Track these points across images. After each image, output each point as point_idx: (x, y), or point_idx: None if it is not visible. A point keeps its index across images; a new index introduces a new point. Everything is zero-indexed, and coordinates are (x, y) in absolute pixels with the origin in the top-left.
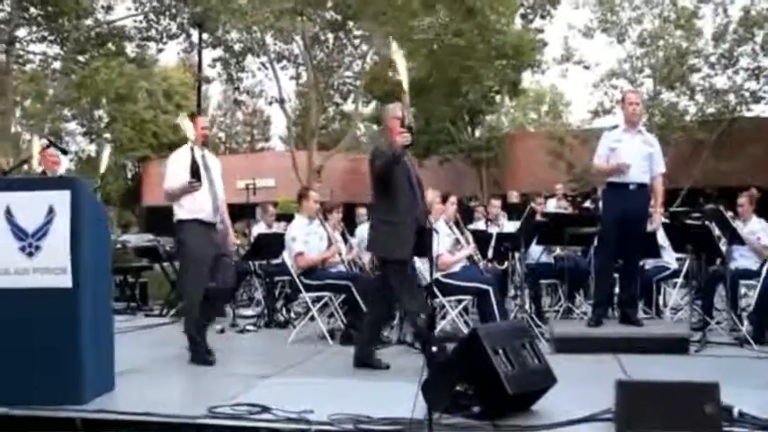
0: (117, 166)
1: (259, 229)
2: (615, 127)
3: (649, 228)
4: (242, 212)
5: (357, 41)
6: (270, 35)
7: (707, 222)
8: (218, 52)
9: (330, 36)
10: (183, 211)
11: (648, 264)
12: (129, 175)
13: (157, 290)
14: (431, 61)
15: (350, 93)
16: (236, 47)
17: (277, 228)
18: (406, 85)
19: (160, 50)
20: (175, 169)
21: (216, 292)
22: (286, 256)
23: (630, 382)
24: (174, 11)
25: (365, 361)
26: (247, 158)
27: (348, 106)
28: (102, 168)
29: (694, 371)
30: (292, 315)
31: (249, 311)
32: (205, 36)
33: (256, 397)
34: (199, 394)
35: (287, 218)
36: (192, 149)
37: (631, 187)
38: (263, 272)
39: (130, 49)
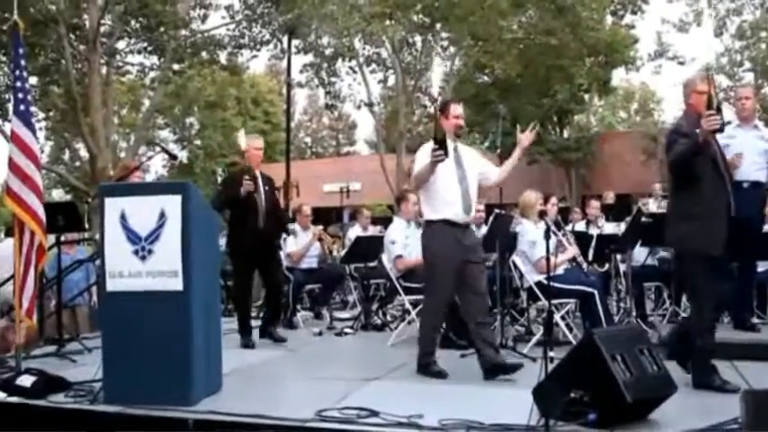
0: (207, 172)
1: (355, 231)
2: (728, 123)
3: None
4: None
5: (445, 44)
6: (359, 39)
7: None
8: (309, 58)
9: (418, 39)
10: (429, 209)
11: (763, 266)
12: (219, 181)
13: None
14: (521, 61)
15: (438, 95)
16: (327, 52)
17: (372, 230)
18: None
19: (253, 57)
20: (420, 157)
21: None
22: (385, 259)
23: (759, 391)
24: (266, 18)
25: None
26: (335, 162)
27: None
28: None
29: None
30: (388, 318)
31: (345, 314)
32: (296, 42)
33: (363, 400)
34: (306, 397)
35: (381, 221)
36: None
37: (745, 185)
38: (359, 275)
39: (223, 57)
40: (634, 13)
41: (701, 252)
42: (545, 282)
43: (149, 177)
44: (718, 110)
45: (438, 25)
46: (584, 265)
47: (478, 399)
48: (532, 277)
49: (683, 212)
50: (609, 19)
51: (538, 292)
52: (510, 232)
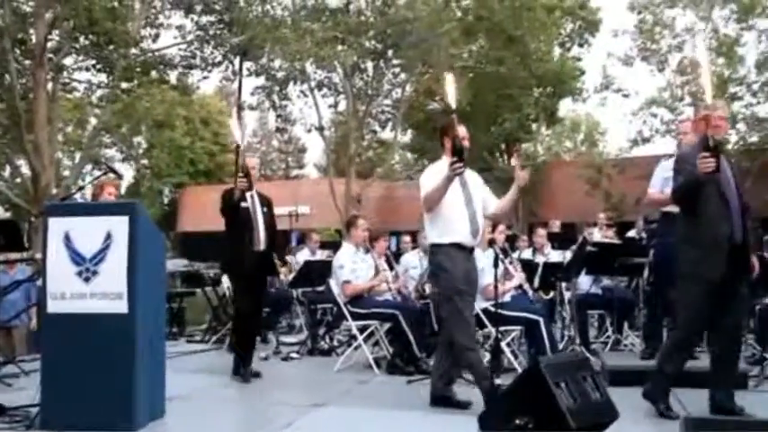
0: (153, 192)
1: (303, 256)
2: (670, 156)
3: None
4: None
5: (396, 70)
6: (311, 63)
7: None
8: (260, 80)
9: (370, 64)
10: (435, 232)
11: None
12: (166, 201)
13: (195, 315)
14: (470, 89)
15: (388, 121)
16: (279, 75)
17: (320, 255)
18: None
19: (204, 78)
20: (426, 180)
21: None
22: (333, 284)
23: (698, 418)
24: (219, 40)
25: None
26: (284, 185)
27: (386, 134)
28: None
29: (755, 406)
30: (335, 343)
31: (291, 339)
32: (248, 64)
33: (309, 427)
34: (250, 423)
35: (330, 245)
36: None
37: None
38: (307, 299)
39: (173, 76)
40: (581, 45)
41: (699, 277)
42: (492, 309)
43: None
44: (715, 150)
45: (390, 52)
46: (530, 293)
47: (424, 425)
48: (479, 304)
49: (686, 237)
50: (557, 51)
51: (485, 318)
52: None
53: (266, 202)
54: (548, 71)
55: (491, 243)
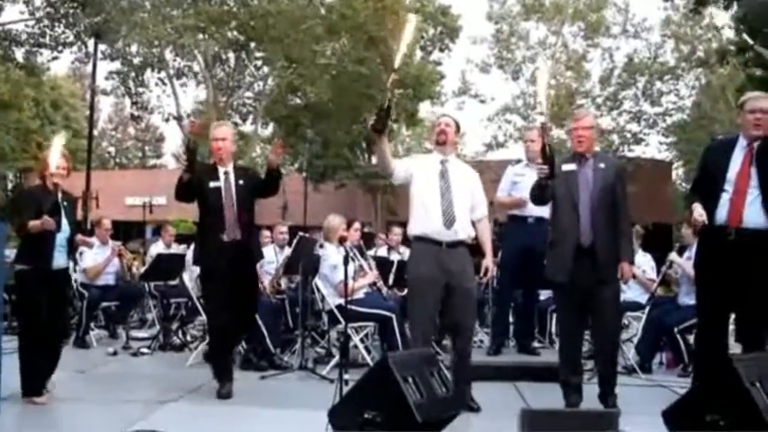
0: None
1: (157, 249)
2: (518, 161)
3: None
4: (140, 231)
5: (259, 63)
6: (170, 51)
7: None
8: (116, 65)
9: (231, 56)
10: (410, 225)
11: (543, 294)
12: (10, 186)
13: None
14: (332, 87)
15: (249, 114)
16: (136, 60)
17: (176, 249)
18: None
19: (54, 59)
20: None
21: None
22: (185, 278)
23: (534, 410)
24: (71, 19)
25: None
26: (139, 175)
27: (247, 127)
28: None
29: (588, 399)
30: (188, 338)
31: (143, 333)
32: (103, 47)
33: (158, 424)
34: (96, 421)
35: (184, 238)
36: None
37: (530, 221)
38: (159, 293)
39: (20, 54)
40: (442, 50)
41: (552, 280)
42: (345, 305)
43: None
44: (551, 159)
45: (252, 44)
46: (384, 290)
47: (276, 421)
48: (333, 300)
49: (548, 242)
50: (418, 54)
51: (338, 314)
52: (313, 255)
53: (247, 178)
54: (407, 74)
55: (341, 241)
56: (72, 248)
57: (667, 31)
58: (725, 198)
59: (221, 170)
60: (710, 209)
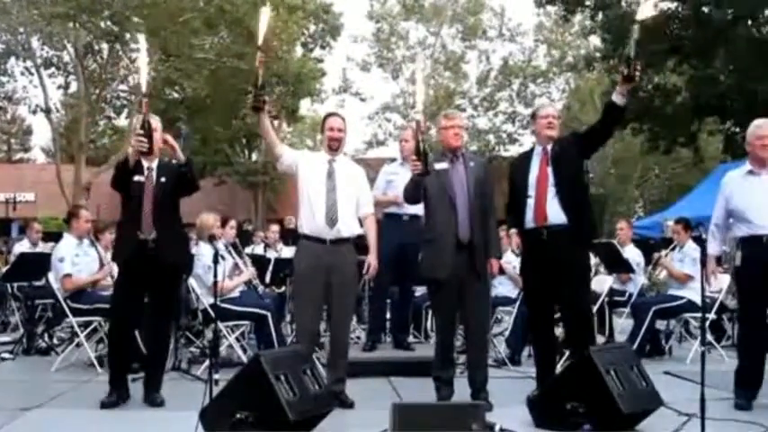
0: None
1: (22, 247)
2: (393, 160)
3: None
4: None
5: (134, 55)
6: (37, 39)
7: None
8: None
9: (105, 46)
10: (299, 222)
11: (419, 290)
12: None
13: None
14: (211, 82)
15: (124, 107)
16: None
17: (43, 247)
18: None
19: None
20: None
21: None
22: (51, 278)
23: (405, 404)
24: None
25: None
26: (4, 169)
27: (121, 121)
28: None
29: (461, 391)
30: (55, 341)
31: (5, 338)
32: None
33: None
34: None
35: (53, 236)
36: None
37: (405, 218)
38: (23, 294)
39: None
40: (323, 47)
41: (428, 276)
42: (218, 304)
43: None
44: (424, 155)
45: (127, 35)
46: (260, 288)
47: (143, 423)
48: (207, 299)
49: (422, 239)
50: (299, 51)
51: (212, 313)
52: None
53: (171, 175)
54: (287, 70)
55: (212, 238)
56: None
57: (540, 36)
58: (530, 203)
59: (146, 165)
60: (520, 215)
